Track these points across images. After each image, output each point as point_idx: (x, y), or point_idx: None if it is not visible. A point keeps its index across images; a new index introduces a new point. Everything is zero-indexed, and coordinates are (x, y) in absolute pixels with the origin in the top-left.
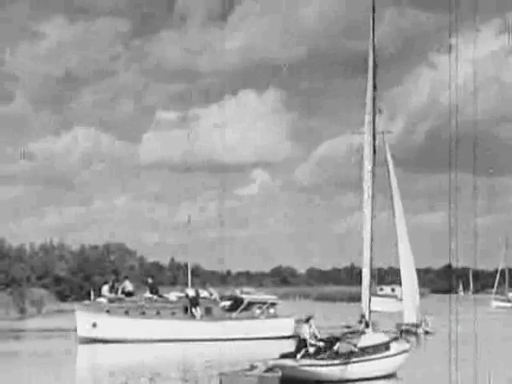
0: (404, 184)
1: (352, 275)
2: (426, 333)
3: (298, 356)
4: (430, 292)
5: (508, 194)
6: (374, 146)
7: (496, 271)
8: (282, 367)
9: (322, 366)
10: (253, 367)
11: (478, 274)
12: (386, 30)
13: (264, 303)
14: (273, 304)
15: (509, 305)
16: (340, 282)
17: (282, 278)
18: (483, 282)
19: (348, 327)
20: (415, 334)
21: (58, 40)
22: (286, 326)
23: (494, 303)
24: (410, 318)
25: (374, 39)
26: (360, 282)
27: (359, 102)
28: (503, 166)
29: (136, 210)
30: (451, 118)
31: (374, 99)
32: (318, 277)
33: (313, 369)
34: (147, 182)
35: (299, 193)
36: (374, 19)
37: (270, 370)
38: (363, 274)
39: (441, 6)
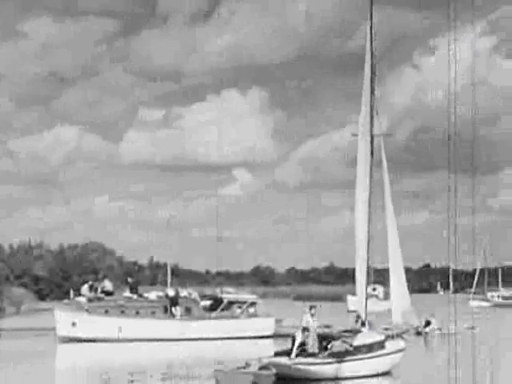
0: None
1: (332, 275)
2: (419, 333)
3: (293, 354)
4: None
5: (490, 194)
6: (372, 149)
7: (475, 271)
8: (277, 365)
9: (316, 364)
10: (247, 365)
11: (457, 274)
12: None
13: (244, 303)
14: (253, 303)
15: (487, 304)
16: (319, 281)
17: (261, 277)
18: (463, 281)
19: (327, 326)
20: (420, 334)
21: (43, 39)
22: (266, 325)
23: (473, 303)
24: (397, 318)
25: (372, 44)
26: (339, 282)
27: (343, 103)
28: (487, 165)
29: (117, 210)
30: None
31: (372, 102)
32: (297, 276)
33: (307, 367)
34: (130, 181)
35: (282, 192)
36: (371, 26)
37: (264, 367)
38: (359, 274)
39: (426, 7)
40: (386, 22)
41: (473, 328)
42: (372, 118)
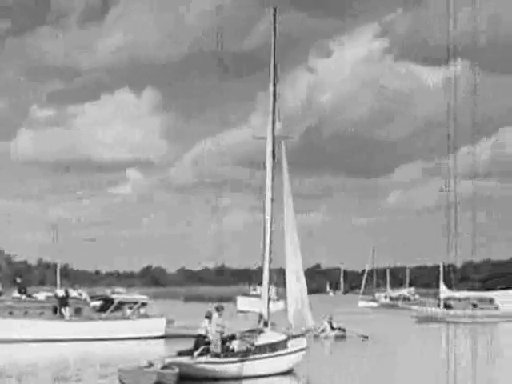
0: (280, 185)
1: (224, 276)
2: (316, 336)
3: (195, 353)
4: None
5: (380, 196)
6: (274, 152)
7: (363, 272)
8: (180, 365)
9: (218, 363)
10: (150, 364)
11: (347, 275)
12: (267, 31)
13: (135, 303)
14: (143, 304)
15: (375, 304)
16: (209, 282)
17: (152, 277)
18: (353, 282)
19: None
20: (316, 336)
21: None
22: (157, 326)
23: (361, 303)
24: (293, 318)
25: (275, 47)
26: (229, 283)
27: (238, 103)
28: (379, 167)
29: (7, 208)
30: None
31: (273, 106)
32: (188, 277)
33: (209, 366)
34: (20, 179)
35: (174, 192)
36: (275, 29)
37: (167, 367)
38: (263, 276)
39: (322, 9)
40: (282, 23)
41: (366, 337)
42: (274, 120)
